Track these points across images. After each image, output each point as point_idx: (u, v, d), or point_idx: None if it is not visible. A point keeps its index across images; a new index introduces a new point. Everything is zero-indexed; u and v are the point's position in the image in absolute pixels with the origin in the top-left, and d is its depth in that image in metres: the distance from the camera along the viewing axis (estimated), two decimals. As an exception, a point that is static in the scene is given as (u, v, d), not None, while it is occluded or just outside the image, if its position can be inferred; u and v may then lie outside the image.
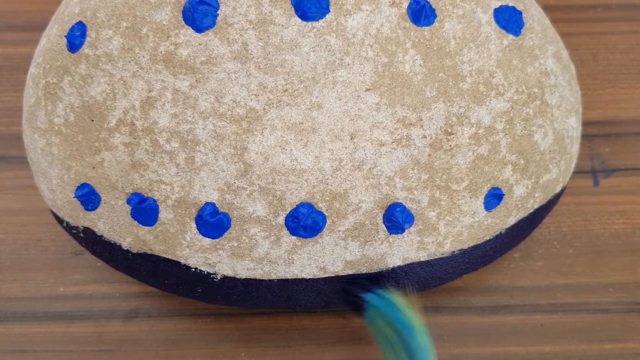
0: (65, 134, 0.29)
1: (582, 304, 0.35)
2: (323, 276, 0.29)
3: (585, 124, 0.38)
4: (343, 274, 0.30)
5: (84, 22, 0.29)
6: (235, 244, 0.29)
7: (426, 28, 0.28)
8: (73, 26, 0.29)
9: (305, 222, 0.28)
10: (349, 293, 0.30)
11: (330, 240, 0.29)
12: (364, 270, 0.29)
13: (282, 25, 0.27)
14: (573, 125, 0.32)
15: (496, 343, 0.35)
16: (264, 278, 0.29)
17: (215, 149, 0.27)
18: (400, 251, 0.29)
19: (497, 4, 0.29)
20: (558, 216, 0.37)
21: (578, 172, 0.38)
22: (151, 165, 0.28)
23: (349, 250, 0.29)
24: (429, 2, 0.28)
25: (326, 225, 0.28)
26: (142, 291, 0.36)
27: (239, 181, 0.28)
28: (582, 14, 0.43)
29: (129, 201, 0.29)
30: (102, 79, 0.28)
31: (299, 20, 0.27)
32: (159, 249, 0.29)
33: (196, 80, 0.27)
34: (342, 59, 0.27)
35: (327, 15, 0.27)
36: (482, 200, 0.30)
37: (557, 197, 0.33)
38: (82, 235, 0.31)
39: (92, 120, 0.29)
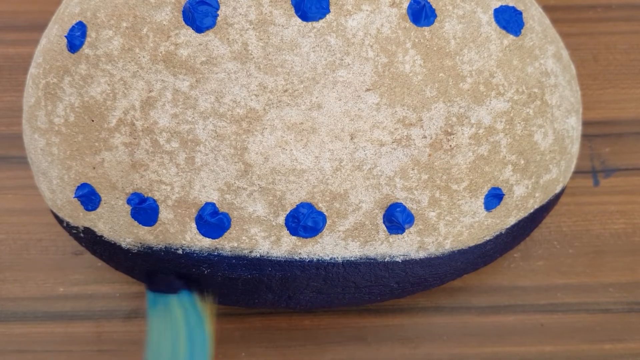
0: (65, 134, 0.29)
1: (582, 304, 0.35)
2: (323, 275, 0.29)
3: (585, 124, 0.38)
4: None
5: (84, 22, 0.29)
6: (236, 244, 0.29)
7: (426, 28, 0.28)
8: (73, 26, 0.29)
9: (305, 222, 0.28)
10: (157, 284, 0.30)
11: (330, 240, 0.29)
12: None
13: (282, 26, 0.27)
14: (573, 125, 0.32)
15: (496, 343, 0.35)
16: (264, 278, 0.29)
17: (215, 149, 0.27)
18: (400, 251, 0.29)
19: (498, 4, 0.29)
20: (558, 216, 0.37)
21: (578, 172, 0.38)
22: (151, 165, 0.28)
23: (349, 250, 0.29)
24: (429, 2, 0.28)
25: (326, 225, 0.28)
26: (142, 291, 0.36)
27: (239, 181, 0.28)
28: (582, 14, 0.43)
29: (129, 201, 0.29)
30: (102, 79, 0.28)
31: (299, 20, 0.27)
32: (159, 249, 0.29)
33: (196, 81, 0.27)
34: (342, 59, 0.27)
35: (327, 16, 0.27)
36: (482, 200, 0.30)
37: (557, 197, 0.33)
38: (82, 235, 0.31)
39: (92, 121, 0.29)
